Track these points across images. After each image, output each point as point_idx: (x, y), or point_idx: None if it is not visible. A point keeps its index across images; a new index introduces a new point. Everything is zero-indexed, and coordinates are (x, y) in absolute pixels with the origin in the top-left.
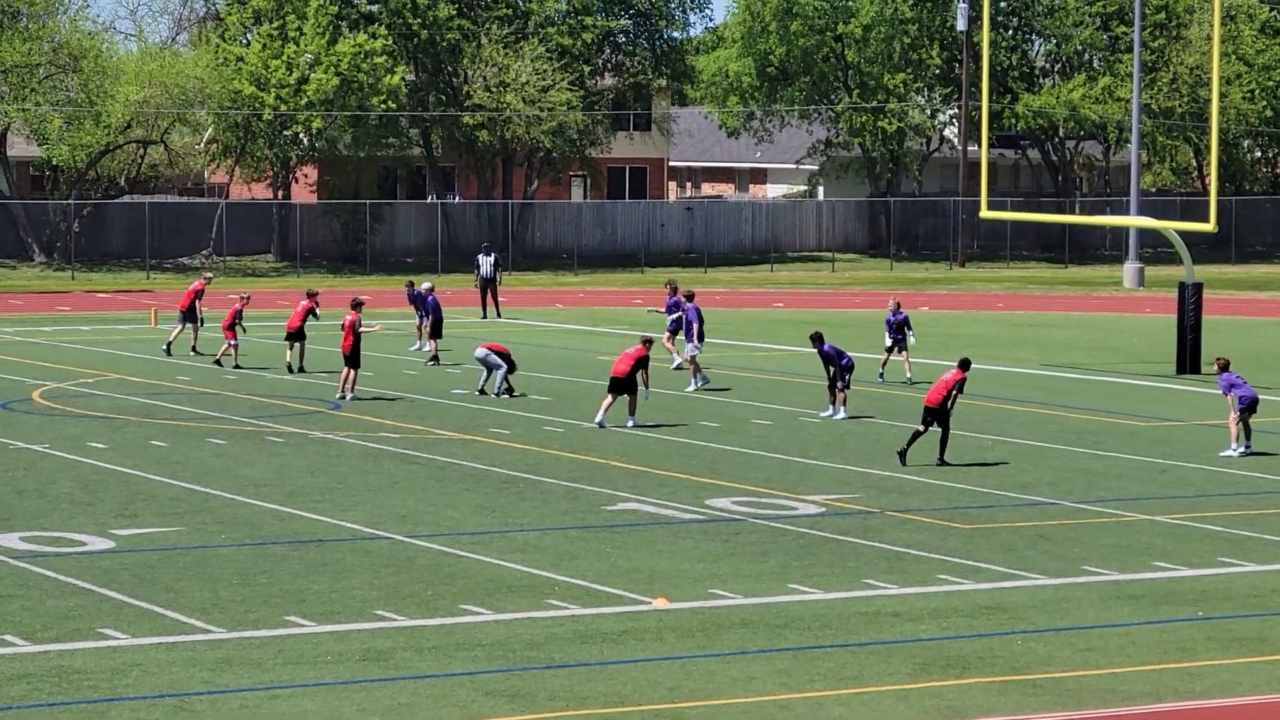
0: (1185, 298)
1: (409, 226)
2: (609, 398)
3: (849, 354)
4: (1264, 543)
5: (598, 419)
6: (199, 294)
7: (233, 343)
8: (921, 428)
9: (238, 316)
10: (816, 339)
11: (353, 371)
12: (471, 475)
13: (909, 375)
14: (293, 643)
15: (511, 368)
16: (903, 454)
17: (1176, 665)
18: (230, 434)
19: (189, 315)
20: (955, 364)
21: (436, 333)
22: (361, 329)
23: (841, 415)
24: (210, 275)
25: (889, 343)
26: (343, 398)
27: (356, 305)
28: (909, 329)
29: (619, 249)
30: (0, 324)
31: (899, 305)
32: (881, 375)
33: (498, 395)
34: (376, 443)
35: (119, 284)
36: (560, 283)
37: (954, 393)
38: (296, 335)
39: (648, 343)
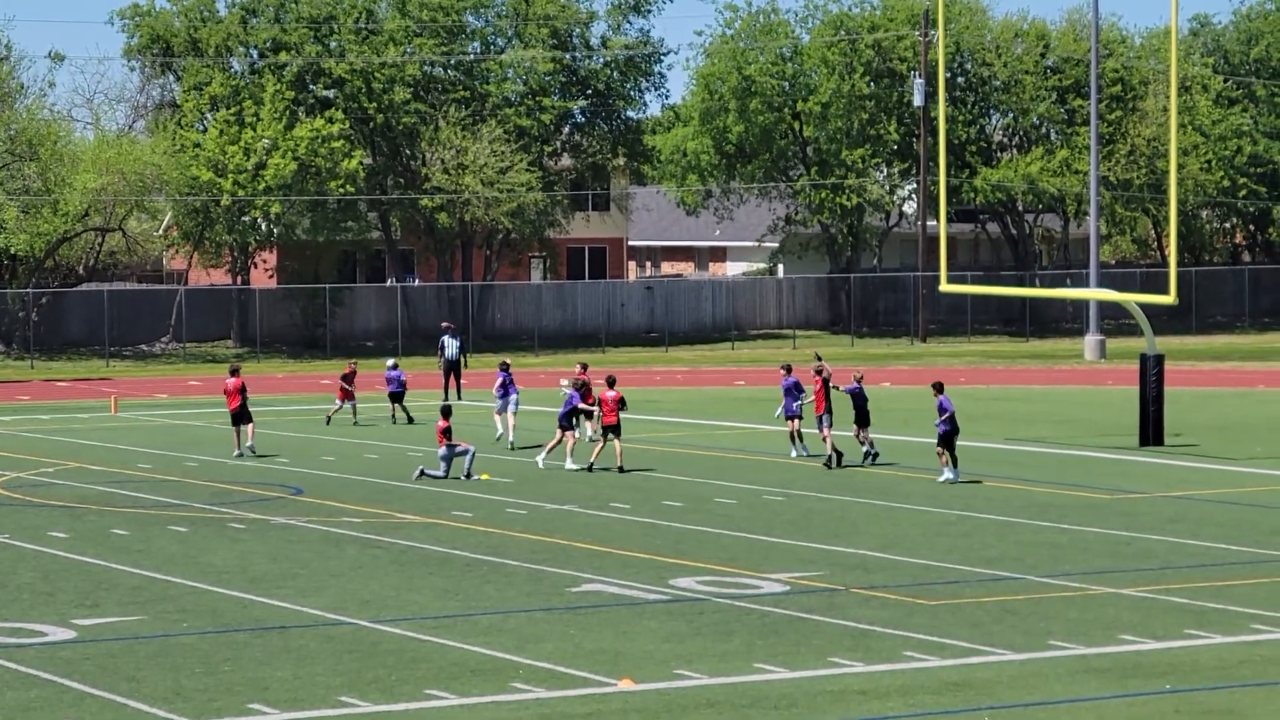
0: (1147, 370)
1: (369, 310)
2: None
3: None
4: (1230, 614)
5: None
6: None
7: (346, 404)
8: None
9: (346, 380)
10: (937, 388)
11: (247, 426)
12: (434, 559)
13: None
14: None
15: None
16: None
17: None
18: (191, 521)
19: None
20: None
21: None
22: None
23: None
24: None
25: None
26: (240, 455)
27: (235, 371)
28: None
29: (579, 329)
30: None
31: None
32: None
33: (466, 477)
34: (339, 527)
35: (79, 372)
36: (521, 364)
37: None
38: (348, 396)
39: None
